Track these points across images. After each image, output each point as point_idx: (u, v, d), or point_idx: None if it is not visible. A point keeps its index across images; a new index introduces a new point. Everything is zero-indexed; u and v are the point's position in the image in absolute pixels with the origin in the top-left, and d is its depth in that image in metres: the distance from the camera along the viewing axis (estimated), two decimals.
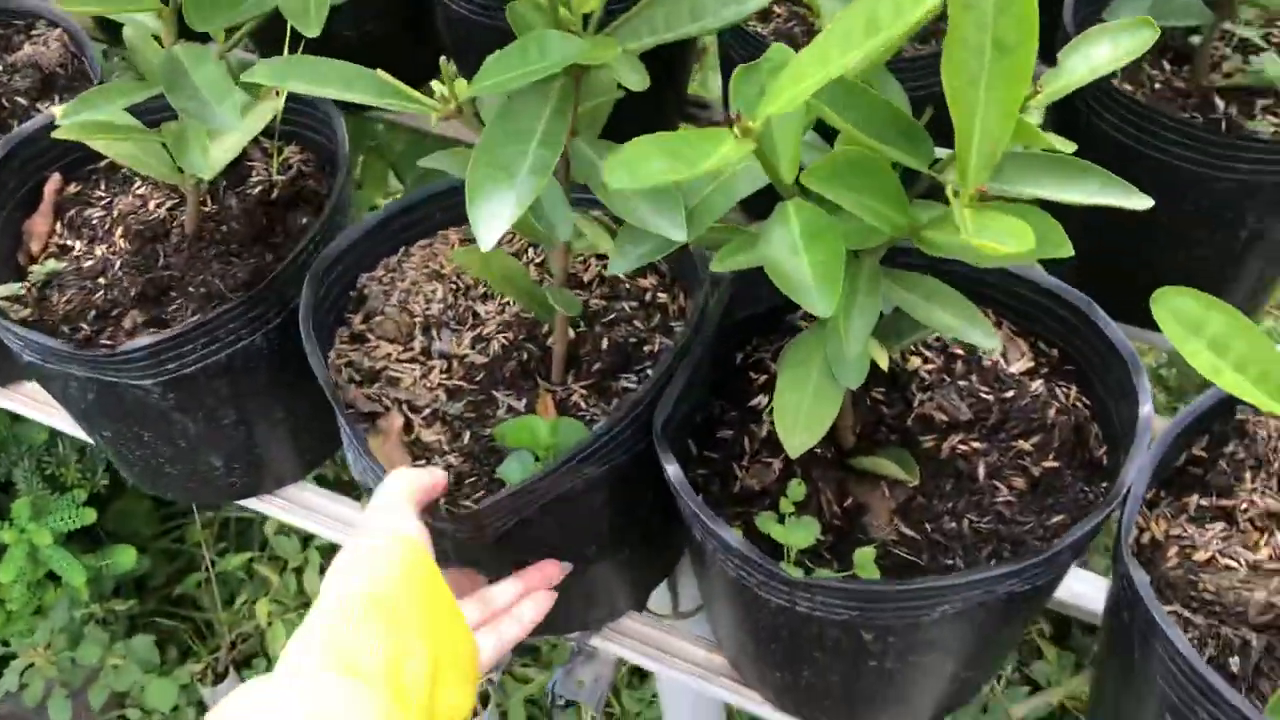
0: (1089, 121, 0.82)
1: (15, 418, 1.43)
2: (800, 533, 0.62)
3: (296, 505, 0.84)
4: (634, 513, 0.67)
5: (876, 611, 0.56)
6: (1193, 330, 0.50)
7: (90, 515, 1.42)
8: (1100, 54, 0.53)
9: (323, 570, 1.58)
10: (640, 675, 1.64)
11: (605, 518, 0.65)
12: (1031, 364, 0.69)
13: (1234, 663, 0.56)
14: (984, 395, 0.68)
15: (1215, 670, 0.52)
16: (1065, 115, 0.85)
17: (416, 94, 0.59)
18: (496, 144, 0.54)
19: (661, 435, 0.61)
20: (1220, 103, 0.84)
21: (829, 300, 0.50)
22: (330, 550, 1.70)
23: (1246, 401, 0.47)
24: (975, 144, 0.49)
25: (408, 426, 0.68)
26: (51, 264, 0.79)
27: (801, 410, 0.60)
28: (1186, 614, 0.58)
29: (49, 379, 0.74)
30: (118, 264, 0.78)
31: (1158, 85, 0.87)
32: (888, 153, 0.52)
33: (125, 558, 1.48)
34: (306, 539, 1.55)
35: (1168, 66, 0.88)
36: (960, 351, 0.70)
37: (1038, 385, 0.68)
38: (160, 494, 0.85)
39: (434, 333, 0.72)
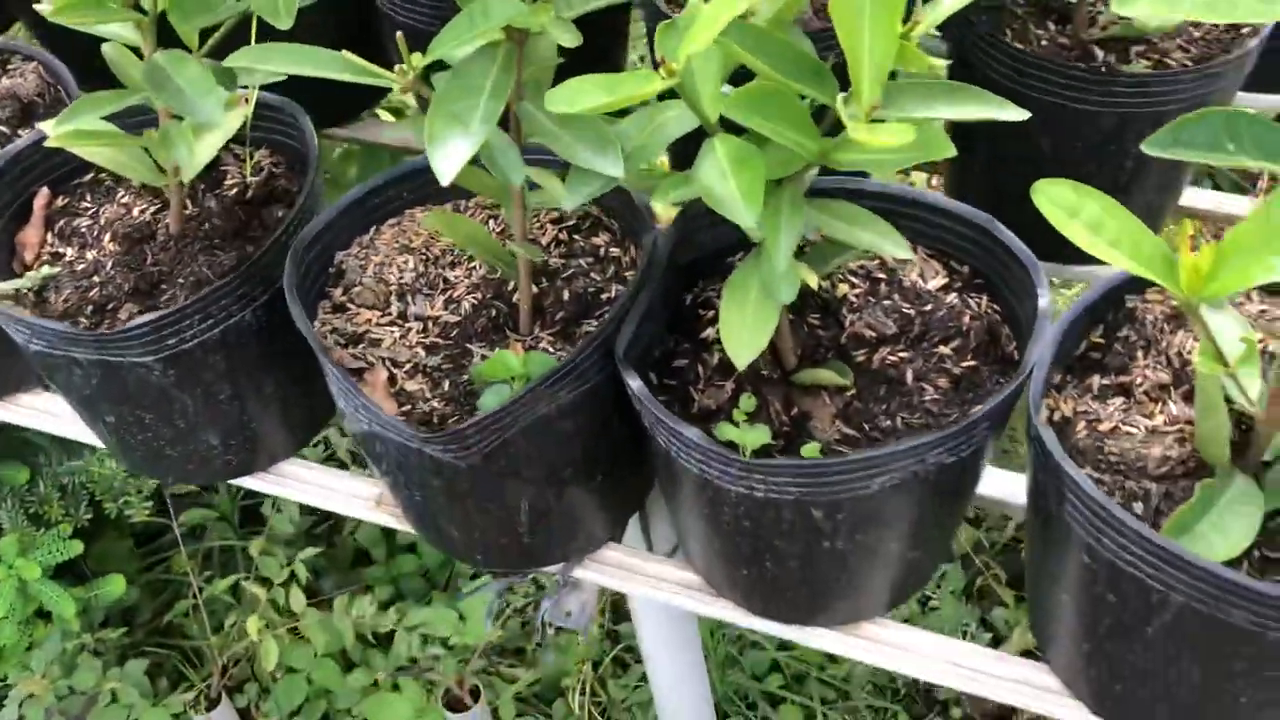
0: (985, 75, 0.91)
1: None
2: (754, 434, 0.69)
3: (290, 480, 0.90)
4: (604, 437, 0.74)
5: (822, 486, 0.63)
6: (1070, 213, 0.59)
7: (78, 546, 1.47)
8: None
9: (308, 586, 1.64)
10: (624, 665, 1.70)
11: (578, 441, 0.73)
12: (946, 280, 0.77)
13: (1137, 507, 0.64)
14: (906, 311, 0.76)
15: (1140, 520, 0.60)
16: (964, 72, 0.94)
17: (379, 69, 0.66)
18: (451, 98, 0.62)
19: (624, 359, 0.69)
20: (1100, 52, 0.94)
21: (754, 212, 0.59)
22: (313, 567, 1.75)
23: (1130, 279, 0.56)
24: (865, 68, 0.58)
25: (391, 380, 0.75)
26: (46, 269, 0.86)
27: (744, 326, 0.68)
28: (1095, 474, 0.66)
29: (53, 369, 0.80)
30: (109, 265, 0.85)
31: (1045, 42, 0.97)
32: (796, 87, 0.60)
33: (114, 586, 1.52)
34: (290, 557, 1.59)
35: (1052, 26, 0.98)
36: (883, 276, 0.78)
37: (952, 298, 0.76)
38: (160, 478, 0.91)
39: (409, 298, 0.80)
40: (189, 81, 0.73)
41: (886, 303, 0.77)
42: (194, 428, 0.84)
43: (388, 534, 1.85)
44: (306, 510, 1.83)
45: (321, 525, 1.90)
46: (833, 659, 1.64)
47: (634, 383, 0.67)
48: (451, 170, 0.60)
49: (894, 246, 0.67)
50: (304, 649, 1.65)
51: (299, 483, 0.90)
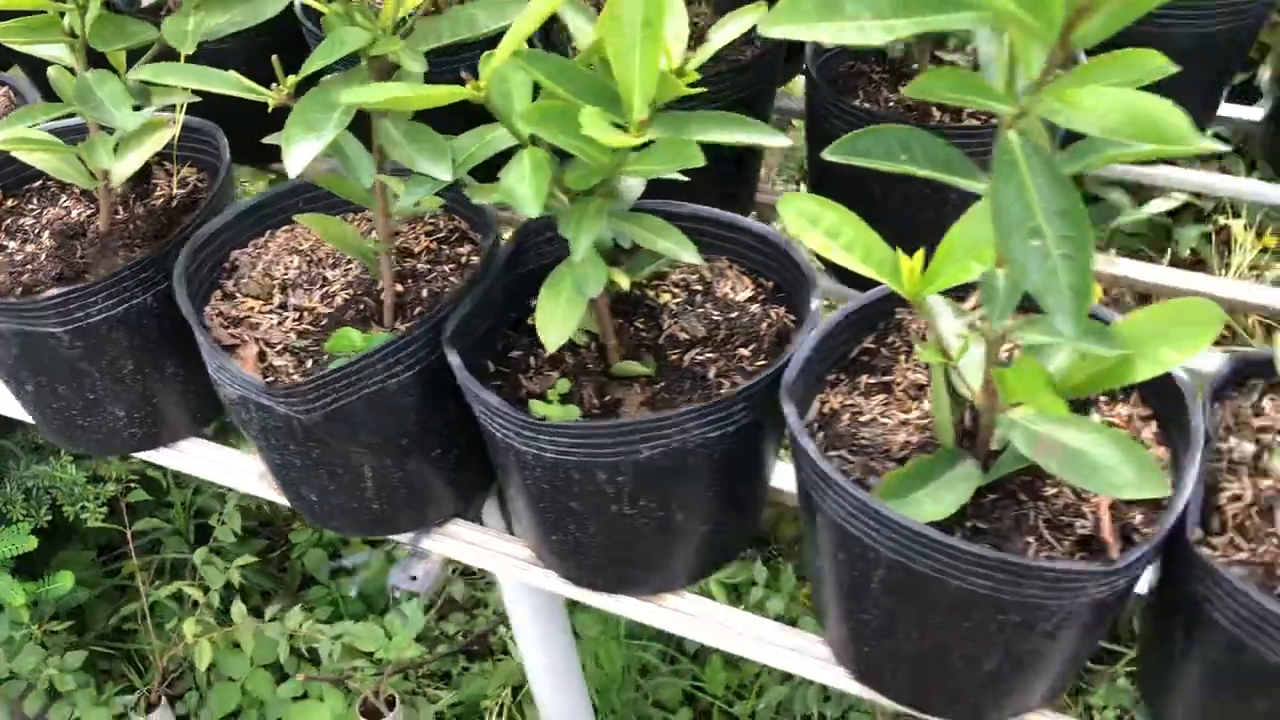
0: (838, 133, 1.03)
1: None
2: (562, 410, 0.80)
3: (188, 455, 1.01)
4: (440, 413, 0.85)
5: (597, 447, 0.74)
6: (812, 222, 0.70)
7: (32, 542, 1.58)
8: (734, 28, 0.75)
9: (243, 590, 1.73)
10: None
11: (414, 415, 0.83)
12: (753, 292, 0.88)
13: (872, 481, 0.74)
14: (715, 318, 0.87)
15: (861, 488, 0.69)
16: (820, 133, 1.06)
17: (258, 86, 0.79)
18: (309, 110, 0.75)
19: (449, 340, 0.80)
20: (936, 112, 1.06)
21: (538, 205, 0.70)
22: (254, 578, 1.85)
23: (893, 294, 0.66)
24: (636, 91, 0.70)
25: (261, 356, 0.87)
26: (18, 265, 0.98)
27: (556, 316, 0.79)
28: (848, 455, 0.76)
29: None
30: (43, 256, 0.97)
31: (891, 103, 1.09)
32: (585, 105, 0.72)
33: (64, 582, 1.62)
34: (228, 564, 1.69)
35: (901, 90, 1.10)
36: (700, 289, 0.89)
37: (755, 307, 0.87)
38: (75, 448, 1.02)
39: (290, 291, 0.91)
40: (109, 95, 0.86)
41: (700, 311, 0.88)
42: (101, 400, 0.95)
43: (333, 557, 1.95)
44: (250, 531, 1.94)
45: (273, 551, 2.00)
46: (739, 694, 1.72)
47: (454, 359, 0.78)
48: (298, 165, 0.72)
49: (685, 253, 0.79)
50: (240, 658, 1.74)
51: (195, 458, 1.01)
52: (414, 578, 0.95)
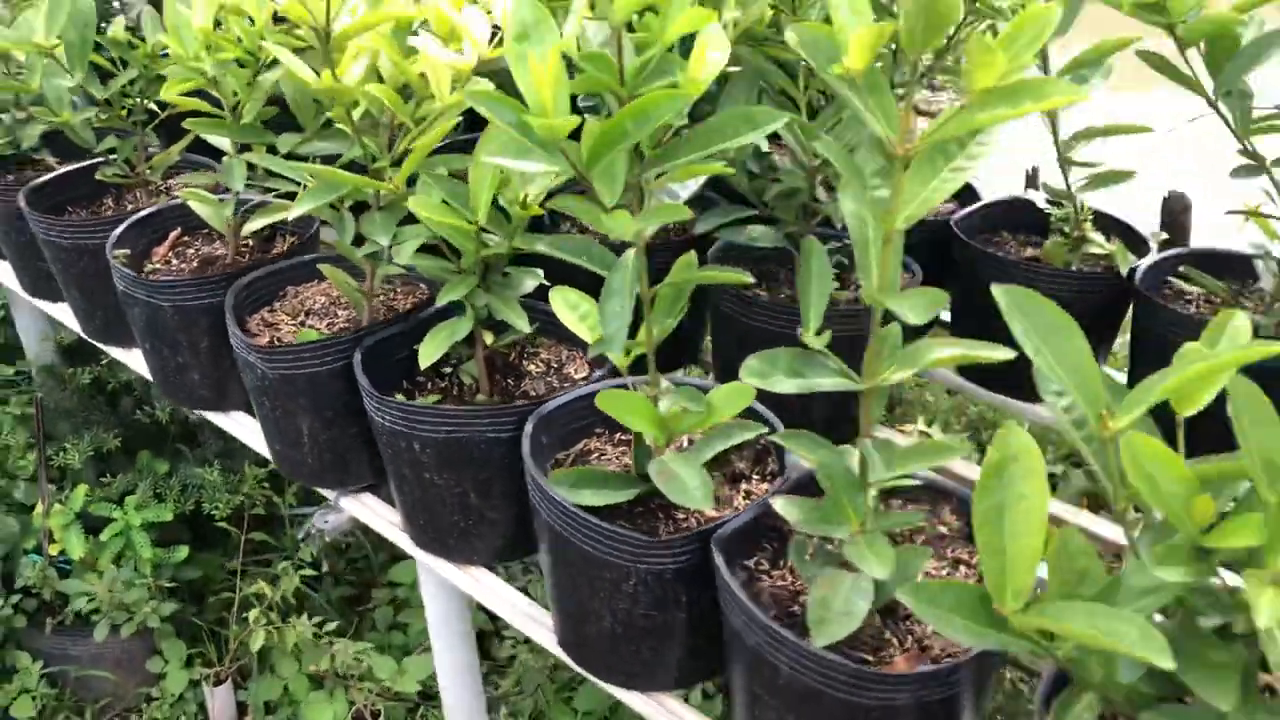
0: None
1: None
2: (428, 398, 1.19)
3: (235, 422, 1.47)
4: (358, 399, 1.25)
5: (412, 423, 1.12)
6: (571, 308, 1.08)
7: (168, 515, 2.09)
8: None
9: (306, 582, 2.15)
10: None
11: (339, 395, 1.25)
12: (588, 372, 1.25)
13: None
14: (552, 383, 1.24)
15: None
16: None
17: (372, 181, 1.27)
18: (315, 195, 1.21)
19: (364, 352, 1.21)
20: None
21: (412, 261, 1.12)
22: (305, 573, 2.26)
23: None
24: (481, 204, 1.11)
25: (271, 343, 1.31)
26: (161, 268, 1.51)
27: (432, 344, 1.19)
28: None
29: (131, 305, 1.43)
30: (186, 269, 1.49)
31: None
32: (456, 208, 1.14)
33: (181, 553, 2.12)
34: (286, 556, 2.12)
35: None
36: (555, 365, 1.27)
37: (581, 377, 1.23)
38: (172, 397, 1.49)
39: (309, 315, 1.37)
40: (238, 176, 1.37)
41: (547, 378, 1.25)
42: (187, 365, 1.43)
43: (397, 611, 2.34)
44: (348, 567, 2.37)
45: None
46: None
47: (356, 359, 1.20)
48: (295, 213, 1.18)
49: (521, 323, 1.17)
50: (290, 662, 2.14)
51: (238, 424, 1.46)
52: (326, 522, 1.34)
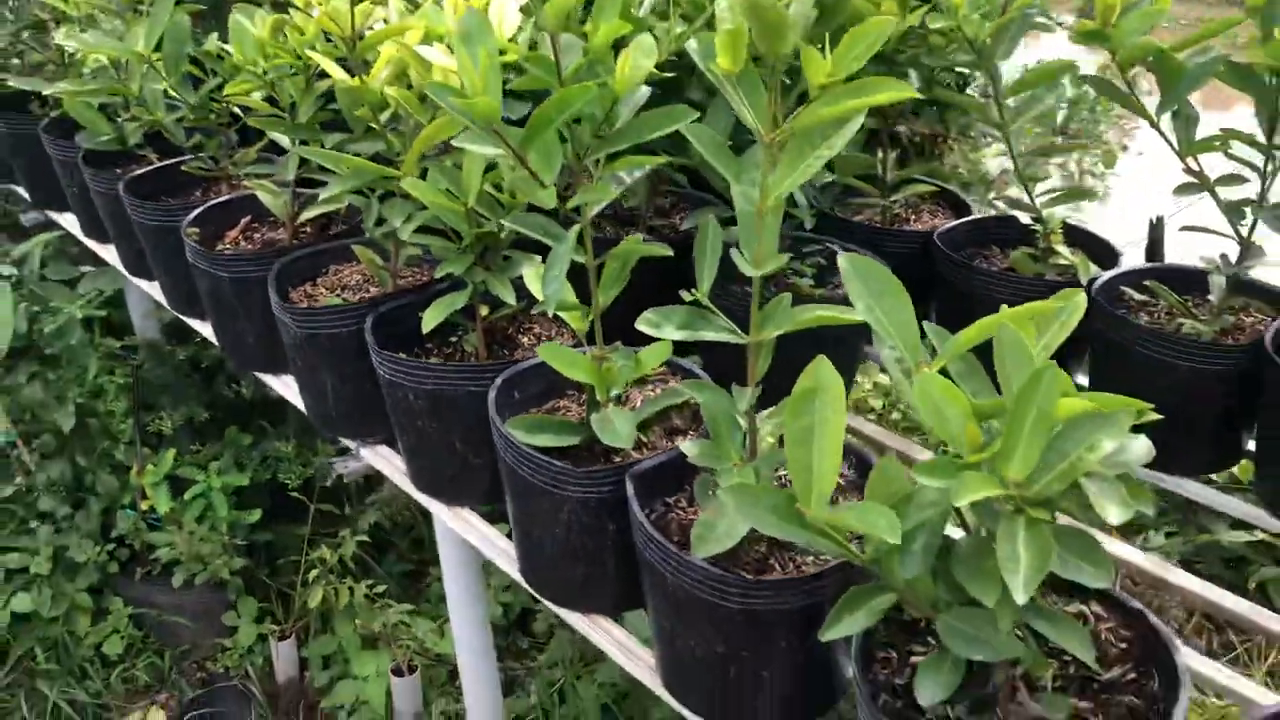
0: None
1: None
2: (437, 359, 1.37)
3: (283, 384, 1.68)
4: (370, 359, 1.44)
5: (407, 376, 1.30)
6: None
7: (245, 479, 2.33)
8: None
9: (369, 555, 2.35)
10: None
11: (354, 354, 1.44)
12: (573, 344, 1.41)
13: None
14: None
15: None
16: None
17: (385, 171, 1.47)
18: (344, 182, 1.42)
19: (375, 320, 1.40)
20: None
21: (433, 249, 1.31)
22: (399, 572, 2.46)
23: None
24: (471, 194, 1.30)
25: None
26: (229, 249, 1.73)
27: (435, 311, 1.37)
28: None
29: (200, 277, 1.66)
30: (250, 249, 1.71)
31: None
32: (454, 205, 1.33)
33: (254, 515, 2.35)
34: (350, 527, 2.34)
35: None
36: (546, 338, 1.44)
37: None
38: (234, 358, 1.72)
39: (345, 289, 1.57)
40: (288, 164, 1.59)
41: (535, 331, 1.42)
42: (243, 330, 1.65)
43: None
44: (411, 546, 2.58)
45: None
46: None
47: (368, 322, 1.39)
48: (326, 195, 1.39)
49: (509, 297, 1.35)
50: (346, 623, 2.35)
51: (279, 381, 1.67)
52: (347, 467, 1.53)
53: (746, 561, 1.03)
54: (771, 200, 0.95)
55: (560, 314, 1.19)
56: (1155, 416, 0.79)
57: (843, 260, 0.90)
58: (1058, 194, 1.53)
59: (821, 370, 0.84)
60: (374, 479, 2.56)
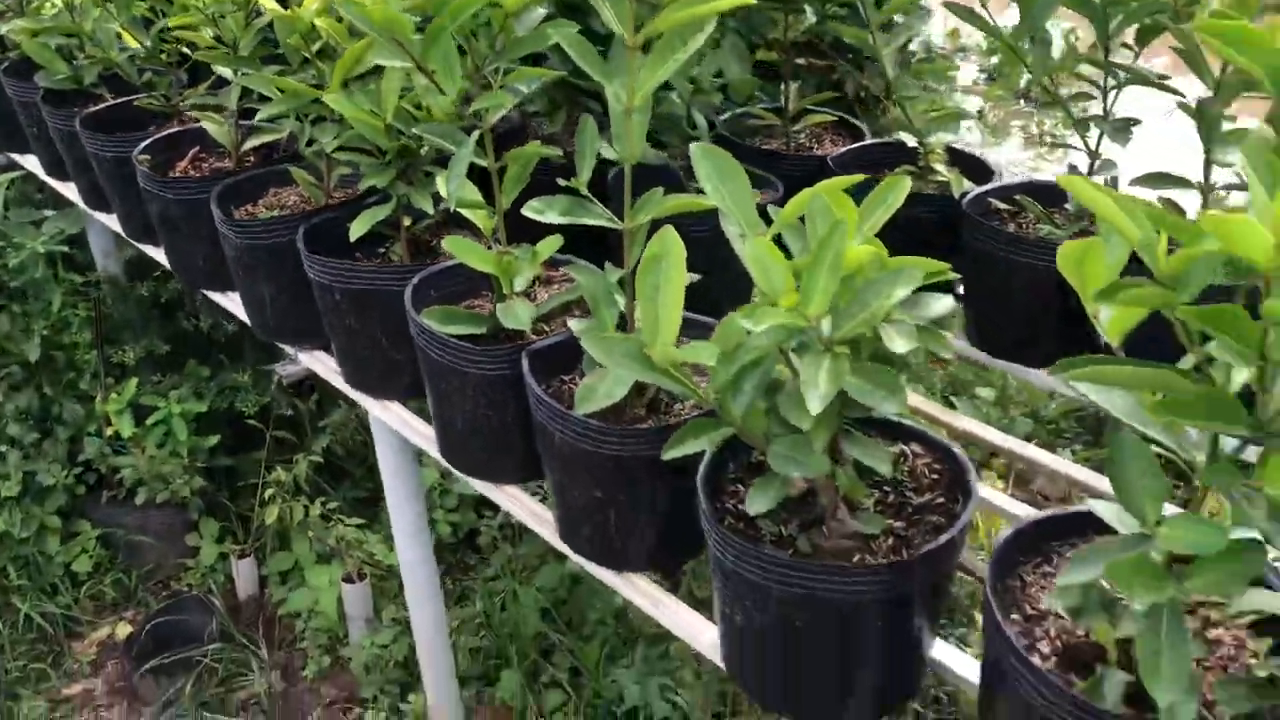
0: None
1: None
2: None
3: (227, 299, 1.82)
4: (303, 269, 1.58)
5: (332, 275, 1.44)
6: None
7: (203, 407, 2.47)
8: None
9: (325, 481, 2.50)
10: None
11: (289, 267, 1.58)
12: None
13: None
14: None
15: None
16: None
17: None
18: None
19: (307, 231, 1.54)
20: None
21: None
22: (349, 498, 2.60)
23: None
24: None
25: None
26: (179, 176, 1.86)
27: (361, 224, 1.51)
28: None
29: (150, 201, 1.79)
30: (200, 174, 1.84)
31: None
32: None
33: (211, 440, 2.49)
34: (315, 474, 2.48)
35: None
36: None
37: None
38: (182, 276, 1.85)
39: (283, 209, 1.71)
40: (230, 94, 1.72)
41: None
42: (193, 251, 1.78)
43: None
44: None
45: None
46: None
47: (300, 232, 1.53)
48: (263, 116, 1.52)
49: (427, 206, 1.49)
50: (302, 540, 2.50)
51: (225, 298, 1.81)
52: (286, 370, 1.68)
53: (626, 420, 1.18)
54: (638, 99, 1.09)
55: (465, 212, 1.33)
56: (952, 279, 0.94)
57: (694, 149, 1.04)
58: (937, 114, 1.67)
59: (667, 237, 0.98)
60: (326, 406, 2.70)
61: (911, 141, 1.77)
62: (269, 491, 2.43)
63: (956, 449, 1.07)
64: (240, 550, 2.56)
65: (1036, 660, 0.85)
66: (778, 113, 1.85)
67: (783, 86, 1.83)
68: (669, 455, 0.98)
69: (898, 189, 1.04)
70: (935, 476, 1.08)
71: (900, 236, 1.00)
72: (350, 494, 2.71)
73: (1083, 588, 0.82)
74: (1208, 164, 1.31)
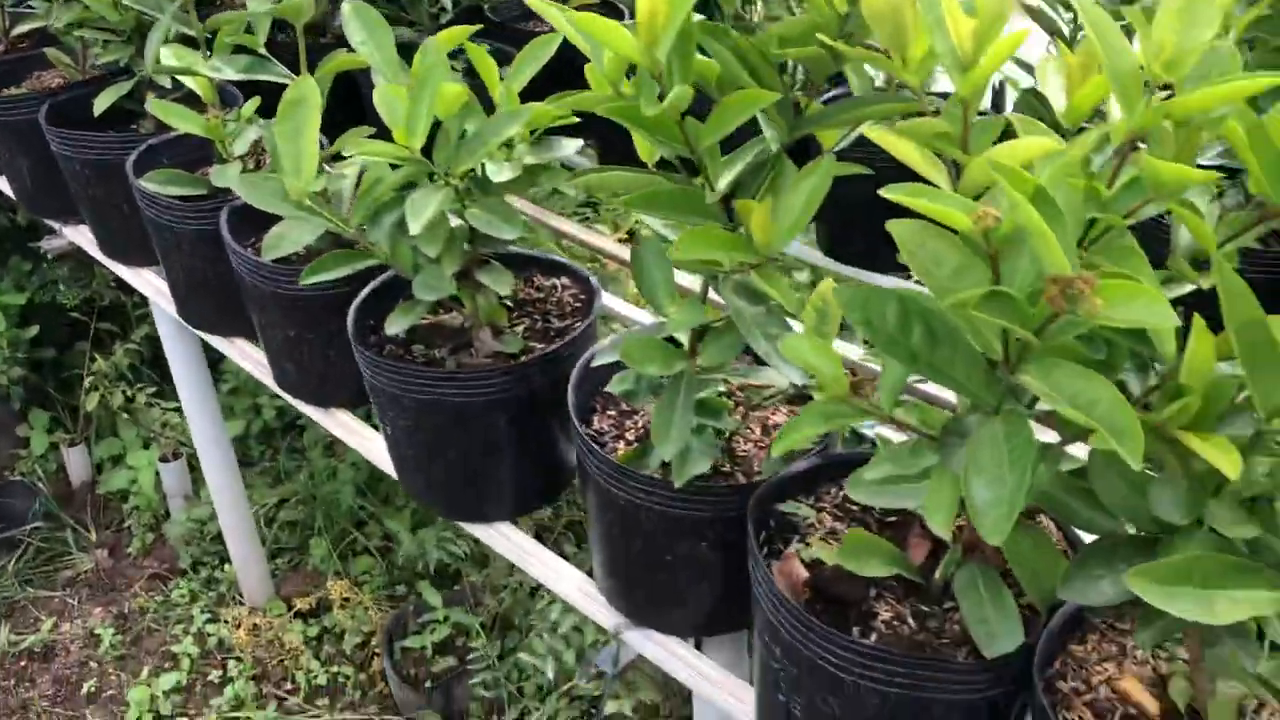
0: None
1: None
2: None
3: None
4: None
5: (78, 151, 1.51)
6: None
7: (22, 299, 2.51)
8: None
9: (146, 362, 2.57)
10: None
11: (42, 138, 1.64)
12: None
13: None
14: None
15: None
16: None
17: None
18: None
19: (51, 107, 1.60)
20: None
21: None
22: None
23: None
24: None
25: None
26: None
27: (104, 100, 1.58)
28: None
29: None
30: None
31: None
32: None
33: (32, 332, 2.55)
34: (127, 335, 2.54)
35: None
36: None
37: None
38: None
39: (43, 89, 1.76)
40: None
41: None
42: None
43: None
44: None
45: None
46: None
47: (44, 108, 1.59)
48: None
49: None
50: (128, 427, 2.57)
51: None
52: (51, 245, 1.76)
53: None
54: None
55: (189, 81, 1.40)
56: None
57: (345, 8, 1.13)
58: None
59: (304, 85, 1.08)
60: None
61: None
62: (89, 380, 2.50)
63: (594, 278, 1.19)
64: (70, 439, 2.64)
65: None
66: None
67: None
68: (305, 281, 1.09)
69: (547, 45, 1.14)
70: (579, 305, 1.20)
71: None
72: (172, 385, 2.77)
73: (635, 375, 0.95)
74: None
